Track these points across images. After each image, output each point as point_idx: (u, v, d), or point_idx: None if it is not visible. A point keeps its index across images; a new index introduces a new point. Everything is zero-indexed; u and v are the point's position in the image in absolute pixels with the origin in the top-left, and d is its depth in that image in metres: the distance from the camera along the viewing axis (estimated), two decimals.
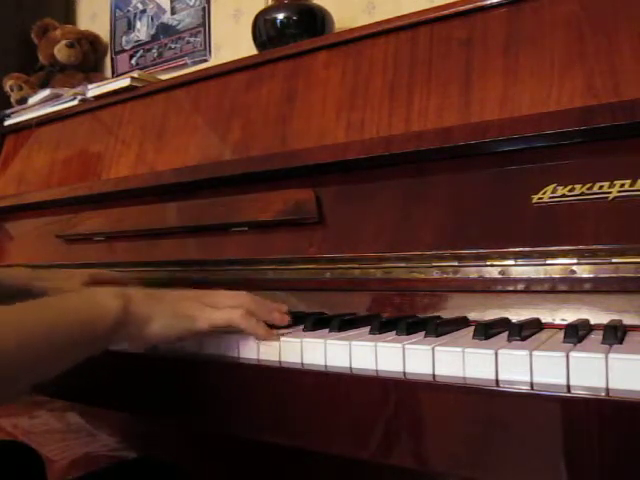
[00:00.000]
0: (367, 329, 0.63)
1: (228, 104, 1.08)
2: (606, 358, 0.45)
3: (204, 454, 1.10)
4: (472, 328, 0.59)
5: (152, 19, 1.84)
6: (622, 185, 0.65)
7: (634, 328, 0.61)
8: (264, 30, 1.26)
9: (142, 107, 1.24)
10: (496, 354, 0.49)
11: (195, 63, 1.72)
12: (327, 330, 0.65)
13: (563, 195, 0.69)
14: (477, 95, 0.81)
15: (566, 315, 0.67)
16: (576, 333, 0.53)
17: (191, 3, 1.74)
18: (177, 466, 0.98)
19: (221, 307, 0.64)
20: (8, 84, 1.81)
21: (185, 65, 1.75)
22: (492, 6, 0.83)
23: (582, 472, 0.44)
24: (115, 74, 1.92)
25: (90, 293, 0.62)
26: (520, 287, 0.70)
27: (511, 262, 0.71)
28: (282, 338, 0.62)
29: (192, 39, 1.73)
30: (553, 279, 0.68)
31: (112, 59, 1.95)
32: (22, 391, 0.55)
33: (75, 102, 1.39)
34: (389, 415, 0.51)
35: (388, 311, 0.78)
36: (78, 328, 0.55)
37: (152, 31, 1.84)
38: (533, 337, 0.58)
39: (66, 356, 0.55)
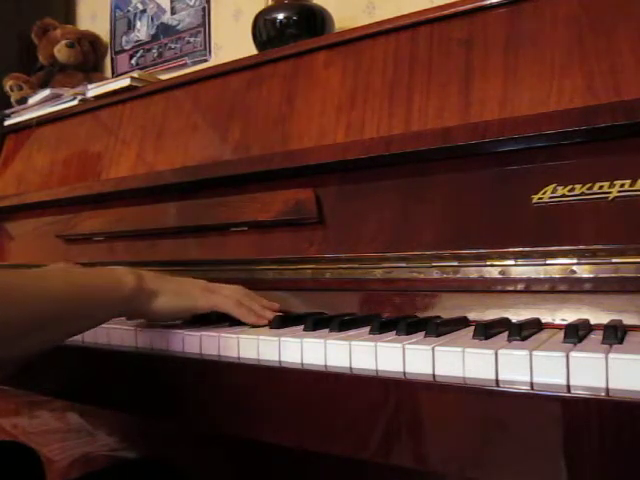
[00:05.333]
0: (367, 329, 0.63)
1: (228, 104, 1.08)
2: (606, 358, 0.45)
3: (204, 454, 1.10)
4: (472, 328, 0.59)
5: (152, 19, 1.84)
6: (622, 185, 0.65)
7: (634, 328, 0.61)
8: (264, 30, 1.26)
9: (142, 107, 1.24)
10: (496, 354, 0.49)
11: (195, 63, 1.72)
12: (327, 330, 0.65)
13: (563, 195, 0.69)
14: (477, 95, 0.81)
15: (566, 315, 0.67)
16: (576, 333, 0.53)
17: (191, 3, 1.74)
18: (177, 466, 0.98)
19: (219, 293, 0.74)
20: (8, 84, 1.81)
21: (185, 65, 1.75)
22: (492, 6, 0.83)
23: (582, 472, 0.44)
24: (115, 74, 1.92)
25: (110, 269, 0.70)
26: (520, 287, 0.70)
27: (511, 262, 0.71)
28: (282, 338, 0.62)
29: (192, 39, 1.73)
30: (553, 279, 0.68)
31: (112, 59, 1.95)
32: (37, 351, 0.60)
33: (75, 102, 1.39)
34: (389, 415, 0.51)
35: (388, 311, 0.78)
36: (98, 296, 0.64)
37: (152, 31, 1.84)
38: (533, 337, 0.58)
39: (83, 319, 0.63)
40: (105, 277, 0.66)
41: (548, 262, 0.69)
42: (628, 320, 0.62)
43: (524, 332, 0.56)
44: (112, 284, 0.65)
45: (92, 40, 1.91)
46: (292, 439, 0.58)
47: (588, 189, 0.67)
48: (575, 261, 0.67)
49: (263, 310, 0.75)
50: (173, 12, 1.78)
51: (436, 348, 0.52)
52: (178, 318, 0.74)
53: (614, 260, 0.65)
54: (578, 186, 0.68)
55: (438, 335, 0.58)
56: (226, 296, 0.74)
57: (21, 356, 0.60)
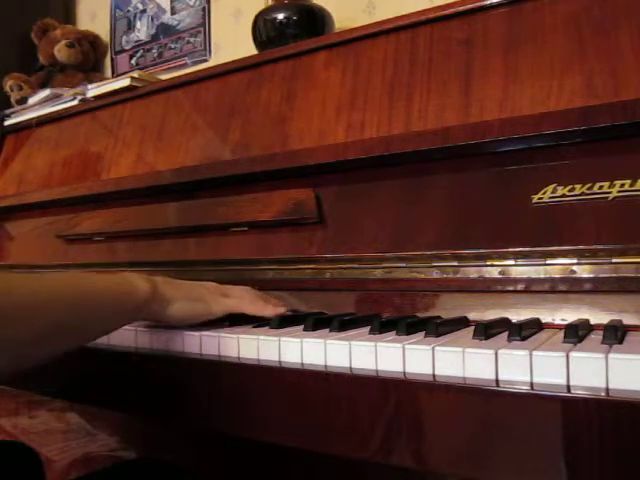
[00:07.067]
0: (367, 329, 0.63)
1: (228, 104, 1.08)
2: (606, 358, 0.45)
3: (204, 454, 1.10)
4: (472, 328, 0.59)
5: (152, 19, 1.84)
6: (622, 185, 0.65)
7: (634, 328, 0.61)
8: (264, 30, 1.26)
9: (142, 107, 1.24)
10: (496, 354, 0.49)
11: (195, 63, 1.72)
12: (327, 330, 0.65)
13: (563, 195, 0.69)
14: (477, 95, 0.81)
15: (566, 315, 0.67)
16: (576, 333, 0.53)
17: (191, 3, 1.74)
18: (177, 466, 0.98)
19: (232, 296, 0.75)
20: (8, 84, 1.81)
21: (185, 65, 1.75)
22: (492, 6, 0.83)
23: (582, 472, 0.44)
24: (115, 74, 1.92)
25: (124, 274, 0.68)
26: (520, 287, 0.70)
27: (511, 262, 0.71)
28: (282, 338, 0.62)
29: (192, 39, 1.73)
30: (553, 279, 0.68)
31: (112, 59, 1.95)
32: (55, 355, 0.58)
33: (75, 102, 1.39)
34: (389, 415, 0.51)
35: (388, 311, 0.78)
36: (112, 302, 0.63)
37: (152, 31, 1.84)
38: (533, 337, 0.58)
39: (97, 325, 0.62)
40: (119, 283, 0.65)
41: (548, 262, 0.69)
42: (628, 320, 0.62)
43: (524, 332, 0.56)
44: (126, 290, 0.64)
45: (92, 40, 1.91)
46: (292, 439, 0.58)
47: (588, 189, 0.67)
48: (575, 261, 0.67)
49: (271, 308, 0.77)
50: (173, 12, 1.78)
51: (436, 348, 0.52)
52: (192, 323, 0.73)
53: (614, 260, 0.65)
54: (578, 186, 0.68)
55: (438, 335, 0.58)
56: (240, 297, 0.75)
57: (34, 366, 0.57)
